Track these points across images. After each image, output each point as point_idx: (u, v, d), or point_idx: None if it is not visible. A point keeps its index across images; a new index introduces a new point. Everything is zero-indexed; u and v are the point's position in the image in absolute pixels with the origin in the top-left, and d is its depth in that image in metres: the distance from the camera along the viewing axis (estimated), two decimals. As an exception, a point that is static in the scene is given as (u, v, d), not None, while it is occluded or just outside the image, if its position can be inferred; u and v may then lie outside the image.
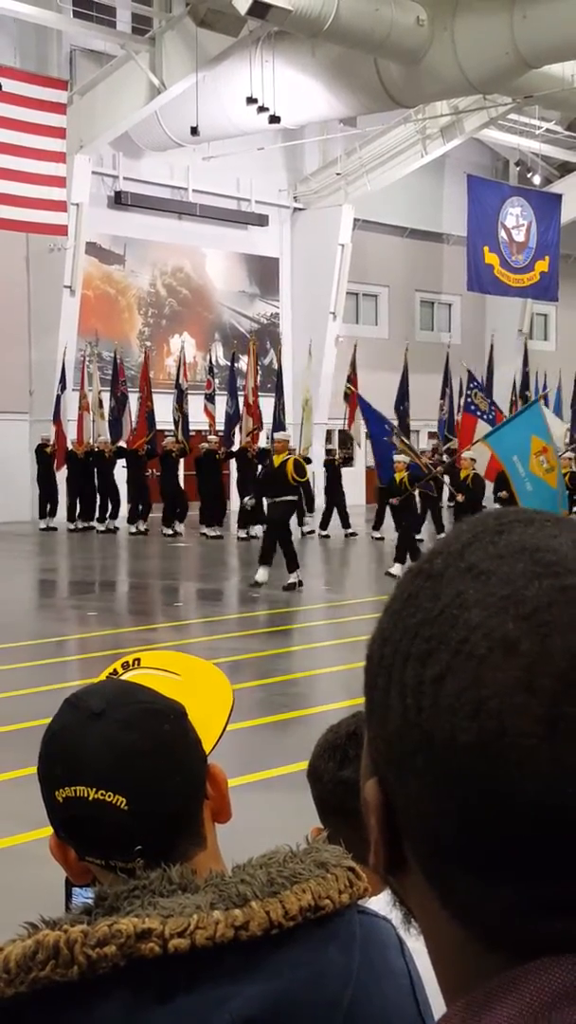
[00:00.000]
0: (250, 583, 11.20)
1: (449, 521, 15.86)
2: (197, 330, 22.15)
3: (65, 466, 17.66)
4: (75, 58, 19.54)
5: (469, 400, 14.72)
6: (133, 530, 17.01)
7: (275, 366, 18.94)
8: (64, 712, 0.93)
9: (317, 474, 18.64)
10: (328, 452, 18.16)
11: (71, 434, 17.84)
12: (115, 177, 20.54)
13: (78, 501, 17.78)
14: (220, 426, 17.88)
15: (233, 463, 17.44)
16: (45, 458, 17.78)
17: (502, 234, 22.96)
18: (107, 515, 17.55)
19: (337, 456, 17.60)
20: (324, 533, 16.49)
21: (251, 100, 16.87)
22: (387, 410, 18.40)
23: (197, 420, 18.04)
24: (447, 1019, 0.46)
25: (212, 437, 17.34)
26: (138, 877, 0.83)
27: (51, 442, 17.81)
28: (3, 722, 5.93)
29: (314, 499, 16.78)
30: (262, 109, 16.90)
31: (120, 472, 17.52)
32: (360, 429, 17.03)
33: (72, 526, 17.55)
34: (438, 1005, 0.54)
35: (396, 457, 12.64)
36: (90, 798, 0.89)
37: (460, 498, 12.71)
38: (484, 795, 0.43)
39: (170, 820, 0.91)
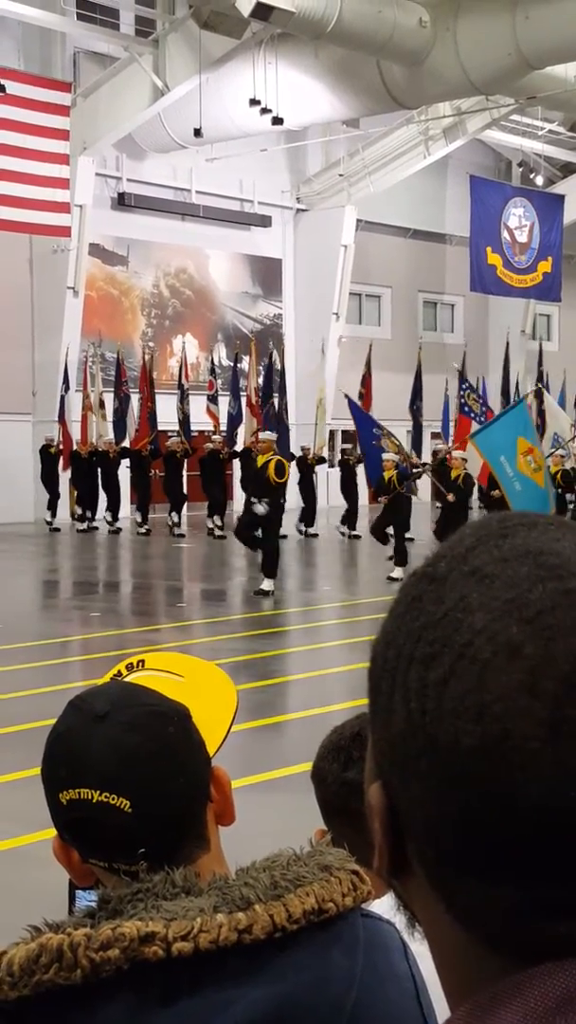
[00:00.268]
0: (255, 591, 11.04)
1: (432, 521, 15.82)
2: (200, 331, 22.18)
3: (64, 466, 17.70)
4: (79, 60, 19.58)
5: (463, 402, 14.71)
6: (140, 531, 17.04)
7: (278, 366, 18.94)
8: (68, 714, 0.93)
9: (332, 474, 18.70)
10: (344, 452, 18.18)
11: (75, 434, 17.88)
12: (118, 179, 20.58)
13: (82, 501, 17.81)
14: (223, 427, 17.91)
15: (236, 463, 17.46)
16: (48, 458, 17.81)
17: (505, 235, 22.96)
18: (110, 515, 17.57)
19: (352, 456, 17.59)
20: (355, 532, 16.39)
21: (254, 102, 16.89)
22: (395, 410, 18.47)
23: (200, 421, 18.06)
24: (451, 1023, 0.46)
25: (216, 437, 17.37)
26: (141, 880, 0.83)
27: (55, 442, 17.85)
28: (7, 723, 5.94)
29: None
30: (265, 111, 16.92)
31: (124, 472, 17.55)
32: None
33: (76, 526, 17.58)
34: (442, 1009, 0.54)
35: (384, 456, 12.59)
36: (94, 800, 0.89)
37: (451, 498, 12.66)
38: (487, 798, 0.43)
39: (174, 822, 0.91)
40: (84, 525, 17.45)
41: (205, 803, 0.94)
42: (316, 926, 0.79)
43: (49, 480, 17.83)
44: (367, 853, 0.54)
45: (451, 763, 0.44)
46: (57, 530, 17.47)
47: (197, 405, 17.95)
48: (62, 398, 17.87)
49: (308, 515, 16.87)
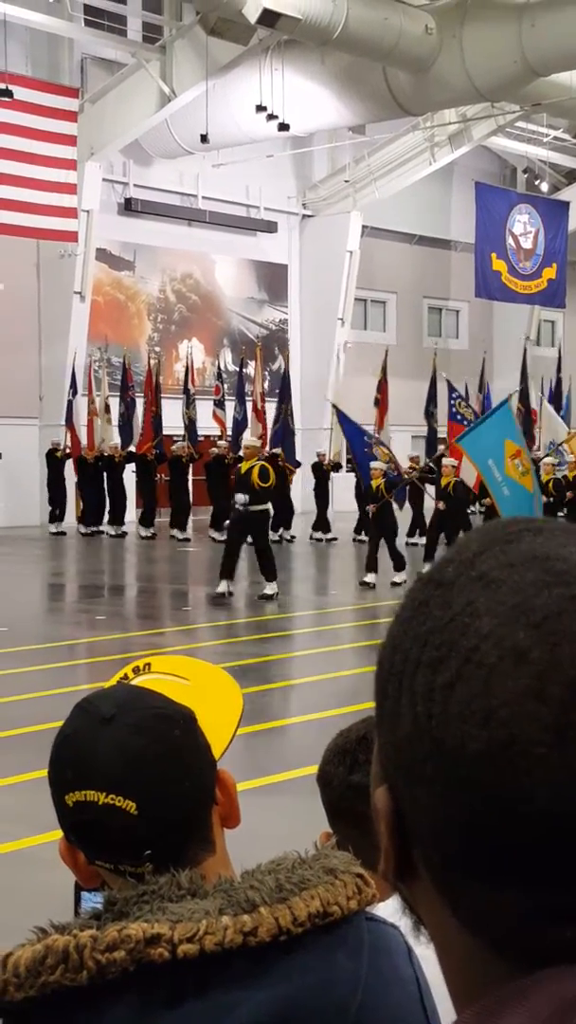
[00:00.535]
0: (259, 596, 11.01)
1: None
2: (206, 336, 22.21)
3: (75, 470, 17.74)
4: (86, 66, 19.65)
5: (454, 410, 14.68)
6: (142, 534, 17.04)
7: (283, 372, 18.98)
8: (75, 716, 0.94)
9: (348, 479, 18.65)
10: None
11: (82, 439, 17.92)
12: (125, 184, 20.64)
13: (87, 506, 17.83)
14: (229, 432, 17.93)
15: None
16: (55, 462, 17.84)
17: (510, 241, 22.96)
18: (116, 519, 17.59)
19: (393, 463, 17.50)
20: (413, 541, 16.30)
21: (260, 108, 16.93)
22: (398, 416, 18.45)
23: (206, 425, 18.07)
24: (457, 1026, 0.46)
25: (221, 442, 17.38)
26: (147, 882, 0.84)
27: (61, 446, 17.87)
28: (13, 726, 5.94)
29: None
30: (271, 117, 16.96)
31: (129, 477, 17.56)
32: (388, 435, 17.03)
33: (81, 530, 17.60)
34: (446, 1011, 0.54)
35: (373, 464, 12.54)
36: (100, 802, 0.89)
37: (441, 506, 12.57)
38: (493, 802, 0.43)
39: (179, 825, 0.91)
40: (83, 530, 17.47)
41: (210, 806, 0.94)
42: (321, 929, 0.79)
43: (54, 485, 17.86)
44: (372, 856, 0.55)
45: (457, 767, 0.44)
46: (63, 534, 17.49)
47: (203, 410, 17.97)
48: (69, 403, 17.91)
49: (322, 521, 16.83)
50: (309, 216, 23.23)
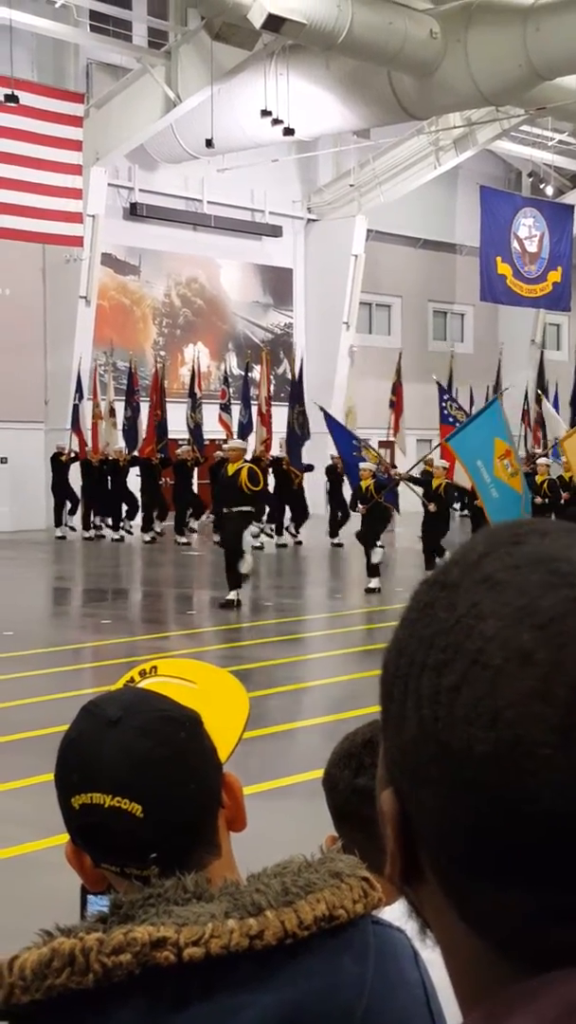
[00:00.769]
0: (220, 603, 10.75)
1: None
2: (211, 340, 22.24)
3: (80, 474, 17.76)
4: (92, 71, 19.72)
5: (445, 412, 14.65)
6: (147, 538, 17.06)
7: (289, 376, 18.98)
8: (81, 719, 0.94)
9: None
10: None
11: (88, 443, 17.95)
12: (130, 189, 20.69)
13: (92, 509, 17.85)
14: (235, 436, 17.93)
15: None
16: (60, 466, 17.87)
17: (515, 245, 22.97)
18: (121, 523, 17.61)
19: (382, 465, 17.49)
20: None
21: (265, 112, 16.96)
22: (404, 419, 18.44)
23: (211, 429, 18.09)
24: (463, 1029, 0.46)
25: (226, 446, 17.35)
26: (153, 885, 0.84)
27: (67, 450, 17.90)
28: (18, 729, 5.95)
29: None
30: (276, 121, 16.99)
31: (134, 480, 17.59)
32: (404, 437, 17.03)
33: (86, 534, 17.63)
34: (452, 1014, 0.54)
35: (362, 465, 12.46)
36: (106, 805, 0.90)
37: (432, 508, 12.48)
38: (499, 804, 0.43)
39: (185, 828, 0.91)
40: (88, 534, 17.49)
41: (216, 809, 0.94)
42: (327, 933, 0.79)
43: (59, 489, 17.90)
44: (378, 860, 0.55)
45: (463, 769, 0.44)
46: (67, 538, 17.52)
47: (210, 414, 17.99)
48: (76, 407, 17.94)
49: (334, 524, 16.80)
50: (314, 220, 23.26)
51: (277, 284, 23.14)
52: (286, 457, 16.84)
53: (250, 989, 0.76)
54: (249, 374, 18.64)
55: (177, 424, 17.71)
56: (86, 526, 17.79)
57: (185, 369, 20.26)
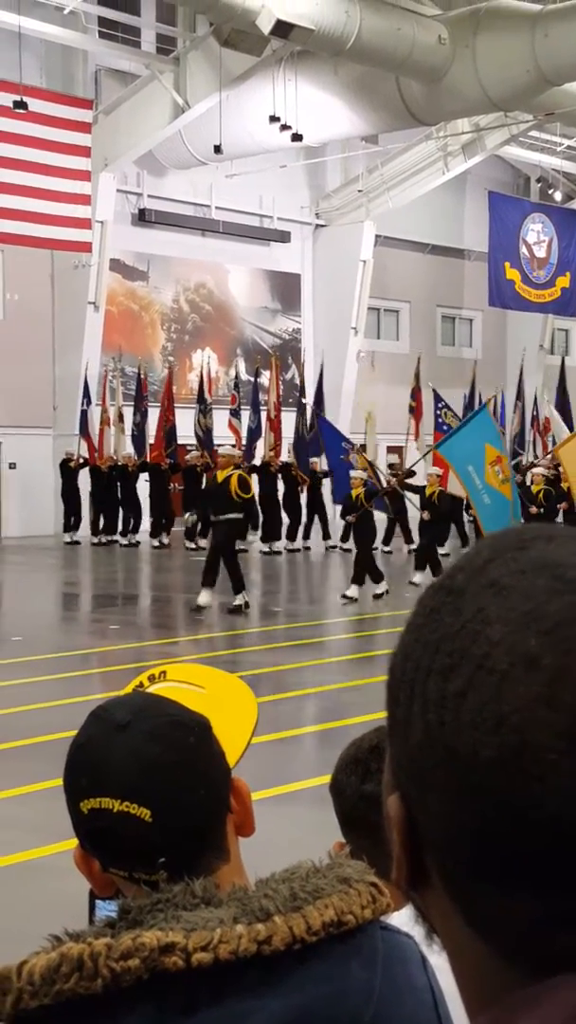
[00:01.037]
0: (192, 607, 10.76)
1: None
2: (220, 345, 22.28)
3: (89, 480, 17.79)
4: (100, 78, 19.81)
5: (440, 419, 14.59)
6: (156, 544, 17.07)
7: (297, 381, 19.00)
8: (90, 724, 0.94)
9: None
10: (391, 467, 18.06)
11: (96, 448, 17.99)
12: (139, 195, 20.76)
13: (101, 515, 17.88)
14: (244, 441, 17.95)
15: (255, 477, 17.45)
16: (68, 472, 17.91)
17: (523, 250, 22.96)
18: (130, 529, 17.63)
19: (401, 471, 17.53)
20: (388, 549, 16.23)
21: (274, 118, 17.00)
22: (425, 424, 18.42)
23: (221, 435, 18.11)
24: (470, 1034, 0.46)
25: (235, 452, 17.35)
26: (161, 890, 0.84)
27: (75, 456, 17.94)
28: (27, 735, 5.96)
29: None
30: (285, 127, 17.02)
31: (143, 486, 17.61)
32: (423, 443, 16.97)
33: (95, 540, 17.65)
34: (460, 1019, 0.54)
35: (353, 473, 12.32)
36: (115, 810, 0.90)
37: (425, 516, 12.39)
38: (505, 809, 0.44)
39: (194, 833, 0.91)
40: (96, 539, 17.51)
41: (225, 814, 0.94)
42: (335, 938, 0.79)
43: (68, 494, 17.93)
44: (386, 865, 0.55)
45: (469, 774, 0.44)
46: (77, 543, 17.54)
47: (219, 419, 18.01)
48: (84, 413, 17.98)
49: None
50: (322, 226, 23.29)
51: (285, 289, 23.17)
52: (294, 462, 16.84)
53: (258, 994, 0.76)
54: (258, 379, 18.66)
55: (185, 429, 17.75)
56: (95, 532, 17.82)
57: (193, 375, 20.29)
